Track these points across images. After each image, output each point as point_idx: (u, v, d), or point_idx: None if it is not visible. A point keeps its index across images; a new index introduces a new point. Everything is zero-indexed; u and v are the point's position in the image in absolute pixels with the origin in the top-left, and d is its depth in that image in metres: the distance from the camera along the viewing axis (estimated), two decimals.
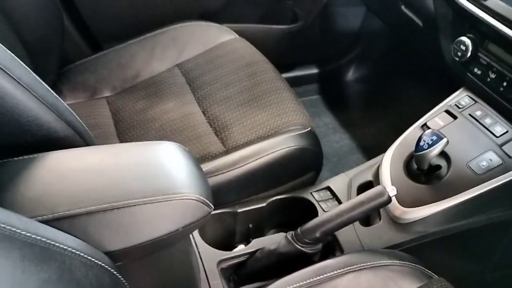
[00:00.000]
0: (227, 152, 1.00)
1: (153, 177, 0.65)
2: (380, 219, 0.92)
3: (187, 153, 0.71)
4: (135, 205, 0.60)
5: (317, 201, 0.97)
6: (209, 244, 0.87)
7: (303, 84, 1.78)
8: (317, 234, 0.79)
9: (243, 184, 0.96)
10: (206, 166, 0.96)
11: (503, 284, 1.06)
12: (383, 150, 1.04)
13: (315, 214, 0.95)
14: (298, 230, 0.81)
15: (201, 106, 1.14)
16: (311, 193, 0.98)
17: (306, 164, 1.04)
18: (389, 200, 0.79)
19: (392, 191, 0.80)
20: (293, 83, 1.75)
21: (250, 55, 1.25)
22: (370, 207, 0.79)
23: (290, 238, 0.81)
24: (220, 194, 0.95)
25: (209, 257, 0.84)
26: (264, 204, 0.96)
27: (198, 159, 1.00)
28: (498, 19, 0.86)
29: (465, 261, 0.99)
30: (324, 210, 0.95)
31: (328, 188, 1.00)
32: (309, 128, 1.05)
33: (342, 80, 1.82)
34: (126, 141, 1.09)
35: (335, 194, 0.98)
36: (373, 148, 1.55)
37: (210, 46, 1.29)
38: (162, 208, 0.62)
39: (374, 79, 1.78)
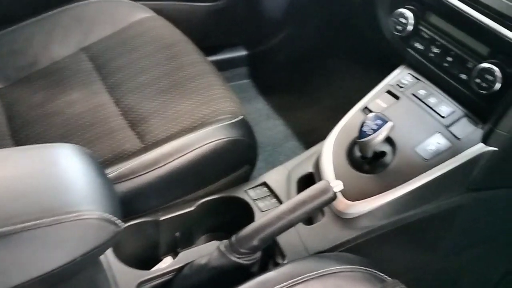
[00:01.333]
0: (146, 149, 0.86)
1: (40, 193, 0.50)
2: (323, 216, 0.82)
3: (86, 158, 0.56)
4: (12, 234, 0.46)
5: (253, 199, 0.85)
6: (126, 263, 0.73)
7: (231, 67, 1.65)
8: (255, 242, 0.67)
9: (166, 186, 0.82)
10: (121, 168, 0.81)
11: (451, 271, 1.01)
12: (321, 135, 0.94)
13: (251, 214, 0.83)
14: (233, 238, 0.69)
15: (113, 95, 0.97)
16: (245, 191, 0.86)
17: (238, 158, 0.91)
18: (334, 196, 0.69)
19: (337, 186, 0.70)
20: (220, 67, 1.61)
21: (170, 35, 1.10)
22: (313, 206, 0.69)
23: (223, 249, 0.68)
24: (138, 200, 0.81)
25: (126, 280, 0.69)
26: (192, 208, 0.82)
27: (111, 159, 0.84)
28: None
29: (416, 252, 0.93)
30: (261, 210, 0.83)
31: (265, 184, 0.88)
32: (240, 117, 0.93)
33: (273, 62, 1.70)
34: (22, 142, 0.91)
35: (273, 190, 0.87)
36: (310, 134, 1.46)
37: (122, 26, 1.12)
38: (52, 233, 0.48)
39: (309, 60, 1.68)
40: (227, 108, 0.93)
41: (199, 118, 0.90)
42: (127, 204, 0.80)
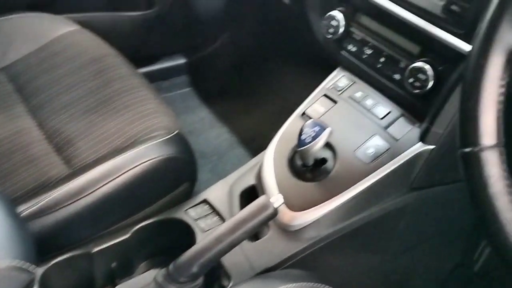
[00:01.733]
0: (73, 175, 0.79)
1: None
2: (268, 230, 0.78)
3: None
4: None
5: (194, 219, 0.80)
6: None
7: (170, 77, 1.60)
8: (195, 269, 0.63)
9: (97, 215, 0.76)
10: (46, 198, 0.75)
11: (402, 270, 1.01)
12: (266, 141, 0.91)
13: (192, 235, 0.78)
14: (170, 267, 0.64)
15: (35, 118, 0.90)
16: (185, 211, 0.82)
17: (176, 176, 0.87)
18: (275, 212, 0.66)
19: (277, 200, 0.66)
20: (159, 77, 1.57)
21: (95, 48, 1.03)
22: (254, 225, 0.65)
23: (160, 280, 0.63)
24: (67, 232, 0.75)
25: None
26: (127, 236, 0.77)
27: (34, 190, 0.77)
28: None
29: (365, 256, 0.91)
30: (203, 230, 0.79)
31: (206, 202, 0.84)
32: (175, 132, 0.88)
33: (214, 68, 1.66)
34: None
35: (215, 208, 0.82)
36: (255, 140, 1.44)
37: (44, 42, 1.05)
38: None
39: (249, 64, 1.66)
40: (160, 123, 0.88)
41: (130, 137, 0.84)
42: (55, 238, 0.74)
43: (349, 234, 0.81)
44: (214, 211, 0.82)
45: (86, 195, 0.75)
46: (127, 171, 0.79)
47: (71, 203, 0.74)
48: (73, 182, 0.77)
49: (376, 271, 0.95)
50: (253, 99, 1.57)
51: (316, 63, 1.07)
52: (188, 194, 0.89)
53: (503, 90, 0.42)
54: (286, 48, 1.44)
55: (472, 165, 0.42)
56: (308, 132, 0.76)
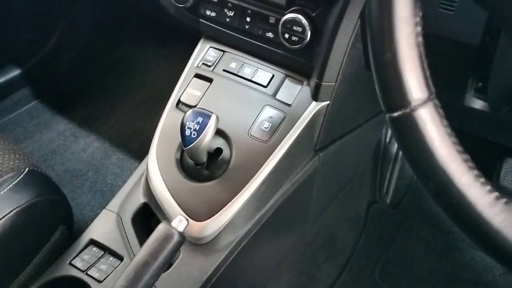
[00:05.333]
0: None
1: None
2: (179, 252, 0.66)
3: None
4: None
5: (83, 271, 0.64)
6: None
7: (7, 94, 1.33)
8: None
9: None
10: None
11: (322, 232, 0.97)
12: (145, 137, 0.76)
13: None
14: None
15: None
16: (70, 263, 0.65)
17: (44, 224, 0.69)
18: (182, 238, 0.53)
19: (181, 222, 0.54)
20: None
21: None
22: (163, 261, 0.52)
23: None
24: None
25: None
26: None
27: None
28: None
29: (288, 236, 0.84)
30: (99, 281, 0.63)
31: (93, 242, 0.67)
32: (27, 169, 0.69)
33: (58, 71, 1.42)
34: None
35: (106, 247, 0.67)
36: (132, 140, 1.26)
37: None
38: None
39: (100, 55, 1.44)
40: (4, 165, 0.68)
41: None
42: None
43: (268, 221, 0.72)
44: (107, 251, 0.66)
45: None
46: None
47: None
48: None
49: (301, 242, 0.89)
50: (116, 94, 1.38)
51: (178, 37, 0.92)
52: (70, 239, 0.72)
53: (419, 28, 0.34)
54: (136, 28, 1.26)
55: (407, 132, 0.34)
56: (191, 126, 0.63)
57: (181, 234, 0.53)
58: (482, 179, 0.34)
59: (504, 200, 0.33)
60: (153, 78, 1.38)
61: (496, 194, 0.33)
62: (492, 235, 0.32)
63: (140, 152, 1.23)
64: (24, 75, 1.35)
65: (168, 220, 0.65)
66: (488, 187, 0.34)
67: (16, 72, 1.34)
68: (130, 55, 1.43)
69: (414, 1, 0.34)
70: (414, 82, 0.33)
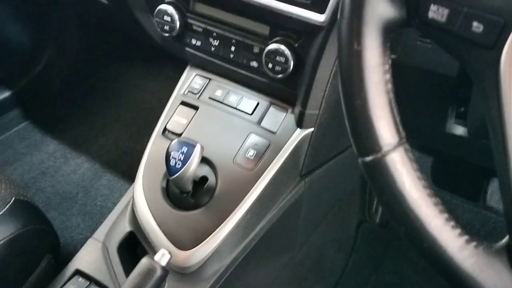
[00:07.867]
0: None
1: None
2: (164, 282, 0.66)
3: None
4: None
5: None
6: None
7: None
8: None
9: None
10: None
11: (312, 255, 0.97)
12: (134, 158, 0.77)
13: None
14: None
15: None
16: None
17: (30, 254, 0.69)
18: (165, 272, 0.53)
19: (163, 256, 0.54)
20: None
21: None
22: None
23: None
24: None
25: None
26: None
27: None
28: None
29: (274, 262, 0.84)
30: None
31: (78, 272, 0.68)
32: (13, 199, 0.69)
33: (48, 91, 1.42)
34: None
35: (91, 277, 0.67)
36: (122, 160, 1.27)
37: None
38: None
39: (91, 75, 1.45)
40: None
41: None
42: None
43: (254, 248, 0.72)
44: (92, 281, 0.66)
45: None
46: None
47: None
48: None
49: (290, 265, 0.89)
50: (106, 114, 1.38)
51: (164, 63, 0.93)
52: (56, 268, 0.72)
53: (388, 76, 0.35)
54: (125, 48, 1.27)
55: (379, 176, 0.35)
56: (176, 156, 0.64)
57: (164, 268, 0.54)
58: (452, 222, 0.34)
59: (474, 243, 0.34)
60: (143, 98, 1.39)
61: (466, 237, 0.34)
62: (463, 279, 0.33)
63: (130, 173, 1.23)
64: (14, 96, 1.35)
65: (153, 249, 0.66)
66: (458, 230, 0.34)
67: (6, 94, 1.35)
68: (119, 75, 1.43)
69: (383, 50, 0.34)
70: (385, 128, 0.34)
